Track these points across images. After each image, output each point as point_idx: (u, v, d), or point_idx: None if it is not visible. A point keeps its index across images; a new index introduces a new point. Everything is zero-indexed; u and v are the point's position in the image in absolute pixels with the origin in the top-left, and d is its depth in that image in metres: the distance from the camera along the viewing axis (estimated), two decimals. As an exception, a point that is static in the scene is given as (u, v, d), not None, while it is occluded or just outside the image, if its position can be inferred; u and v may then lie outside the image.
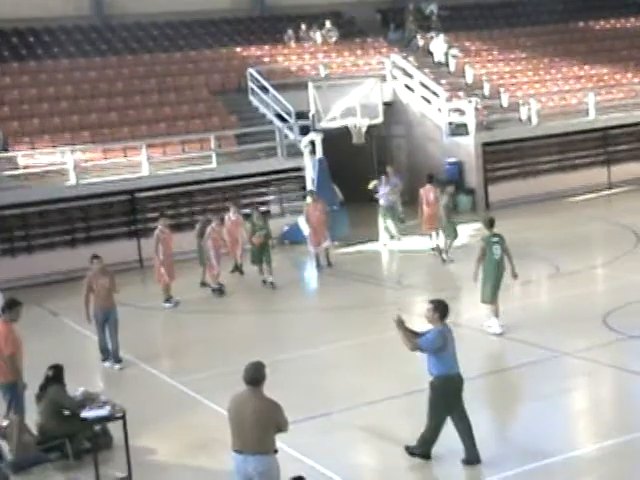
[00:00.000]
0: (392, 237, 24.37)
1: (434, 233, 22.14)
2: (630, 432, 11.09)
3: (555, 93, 32.33)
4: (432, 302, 10.71)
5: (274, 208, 26.57)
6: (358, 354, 15.33)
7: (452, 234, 21.49)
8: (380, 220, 24.45)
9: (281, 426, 8.61)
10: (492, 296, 15.49)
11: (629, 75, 34.25)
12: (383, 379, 13.77)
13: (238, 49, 32.21)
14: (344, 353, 15.49)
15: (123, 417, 11.07)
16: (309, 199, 22.59)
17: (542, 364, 13.92)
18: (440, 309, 10.56)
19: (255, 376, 8.57)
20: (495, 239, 15.46)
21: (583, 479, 10.25)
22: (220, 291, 20.17)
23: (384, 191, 24.26)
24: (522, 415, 11.93)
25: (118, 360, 15.55)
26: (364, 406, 12.74)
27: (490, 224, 15.56)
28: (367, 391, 13.25)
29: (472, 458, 10.48)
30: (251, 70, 29.28)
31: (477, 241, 16.72)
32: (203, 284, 20.90)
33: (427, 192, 22.45)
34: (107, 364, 15.61)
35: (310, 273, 22.44)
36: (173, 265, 19.66)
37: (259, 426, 8.45)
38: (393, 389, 13.21)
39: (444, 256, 21.32)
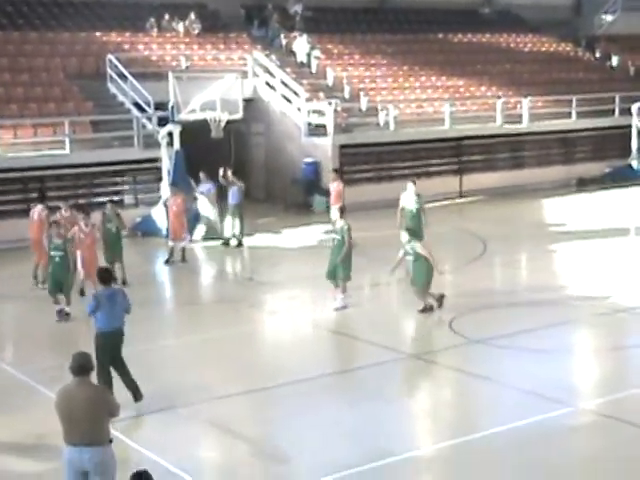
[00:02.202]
0: (234, 236, 23.96)
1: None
2: (468, 433, 11.36)
3: (412, 101, 33.01)
4: None
5: (128, 198, 26.09)
6: (206, 349, 15.19)
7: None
8: (229, 218, 23.98)
9: (113, 411, 8.53)
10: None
11: (483, 88, 35.33)
12: (230, 375, 13.70)
13: (97, 34, 31.39)
14: (191, 348, 15.32)
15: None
16: (170, 192, 22.32)
17: (387, 365, 14.11)
18: (98, 276, 12.60)
19: (83, 366, 8.45)
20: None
21: (423, 477, 10.47)
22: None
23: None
24: (365, 414, 12.04)
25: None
26: (210, 401, 12.64)
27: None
28: (213, 386, 13.15)
29: (138, 397, 12.23)
30: (110, 56, 28.59)
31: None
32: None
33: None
34: None
35: (161, 267, 22.08)
36: None
37: (91, 416, 8.30)
38: (239, 385, 13.15)
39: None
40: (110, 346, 12.19)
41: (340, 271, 16.98)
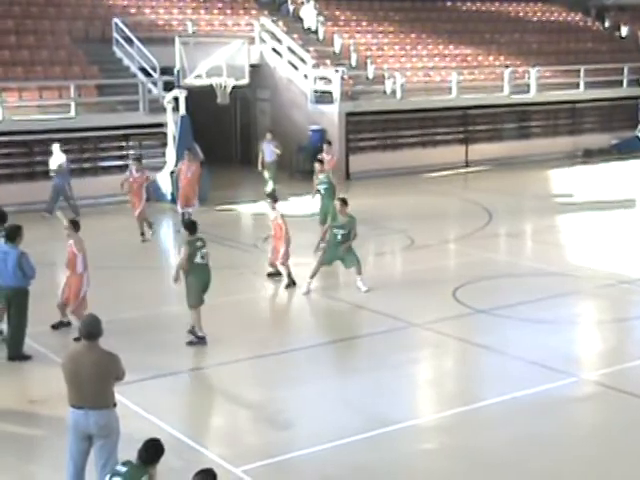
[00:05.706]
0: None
1: None
2: (471, 403, 11.41)
3: (420, 69, 32.82)
4: None
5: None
6: (209, 315, 15.18)
7: None
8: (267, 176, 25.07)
9: (119, 375, 8.59)
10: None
11: (490, 58, 35.09)
12: (233, 341, 13.72)
13: (104, -3, 31.23)
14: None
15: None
16: (185, 157, 22.17)
17: (391, 334, 14.14)
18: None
19: (92, 330, 8.49)
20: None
21: (424, 446, 10.49)
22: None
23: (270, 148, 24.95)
24: (368, 383, 12.08)
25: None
26: (212, 367, 12.69)
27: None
28: (217, 352, 13.18)
29: (11, 355, 12.77)
30: (117, 20, 28.41)
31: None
32: None
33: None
34: None
35: (166, 232, 22.06)
36: None
37: (98, 379, 8.34)
38: (242, 351, 13.18)
39: None
40: (5, 301, 12.97)
41: (352, 258, 16.21)
